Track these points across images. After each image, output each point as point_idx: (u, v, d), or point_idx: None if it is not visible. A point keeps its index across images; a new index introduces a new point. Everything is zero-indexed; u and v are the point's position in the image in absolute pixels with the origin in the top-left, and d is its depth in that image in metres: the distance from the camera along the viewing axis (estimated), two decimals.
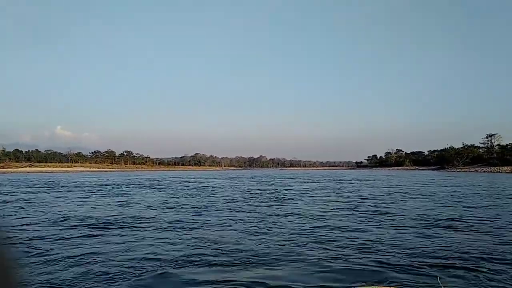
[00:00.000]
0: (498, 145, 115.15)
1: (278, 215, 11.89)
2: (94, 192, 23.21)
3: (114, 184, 32.32)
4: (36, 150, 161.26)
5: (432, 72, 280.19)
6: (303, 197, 18.90)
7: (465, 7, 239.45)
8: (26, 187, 28.36)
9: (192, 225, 9.85)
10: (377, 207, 14.05)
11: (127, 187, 27.88)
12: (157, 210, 13.45)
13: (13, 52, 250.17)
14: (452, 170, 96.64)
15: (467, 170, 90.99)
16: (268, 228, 9.39)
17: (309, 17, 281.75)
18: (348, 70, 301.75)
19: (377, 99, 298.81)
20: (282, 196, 19.20)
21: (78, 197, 19.19)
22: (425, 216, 11.28)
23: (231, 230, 9.21)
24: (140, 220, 10.86)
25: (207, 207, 14.29)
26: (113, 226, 9.74)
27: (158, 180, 41.31)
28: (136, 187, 27.88)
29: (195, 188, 27.00)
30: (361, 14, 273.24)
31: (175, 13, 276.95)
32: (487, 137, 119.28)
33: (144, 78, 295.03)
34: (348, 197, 18.51)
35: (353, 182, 36.92)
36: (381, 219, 10.78)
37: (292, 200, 16.96)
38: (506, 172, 75.63)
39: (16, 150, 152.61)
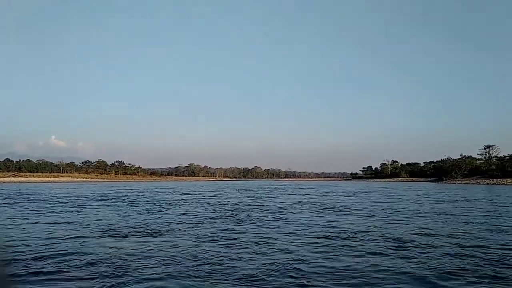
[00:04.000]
0: (496, 156, 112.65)
1: (236, 243, 8.57)
2: (45, 206, 19.74)
3: (82, 197, 28.81)
4: (28, 160, 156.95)
5: (426, 82, 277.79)
6: (279, 215, 15.60)
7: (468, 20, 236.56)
8: None
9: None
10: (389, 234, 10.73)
11: (91, 200, 24.44)
12: (83, 236, 10.07)
13: (9, 63, 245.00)
14: (452, 182, 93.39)
15: (467, 182, 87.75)
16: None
17: (305, 24, 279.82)
18: (343, 81, 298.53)
19: (372, 110, 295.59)
20: (255, 214, 15.88)
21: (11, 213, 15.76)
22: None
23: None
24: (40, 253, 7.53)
25: (153, 230, 10.95)
26: None
27: (138, 192, 37.73)
28: (99, 201, 24.43)
29: (163, 201, 23.60)
30: (352, 21, 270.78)
31: (173, 27, 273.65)
32: (484, 148, 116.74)
33: (140, 88, 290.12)
34: (342, 216, 15.20)
35: (347, 194, 33.65)
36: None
37: (266, 220, 13.65)
38: (511, 184, 74.15)
39: (7, 159, 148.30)
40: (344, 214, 15.77)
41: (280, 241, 9.21)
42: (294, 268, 6.64)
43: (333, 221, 13.13)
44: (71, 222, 12.87)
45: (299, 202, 23.73)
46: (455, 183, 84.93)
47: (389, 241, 9.10)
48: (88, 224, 12.32)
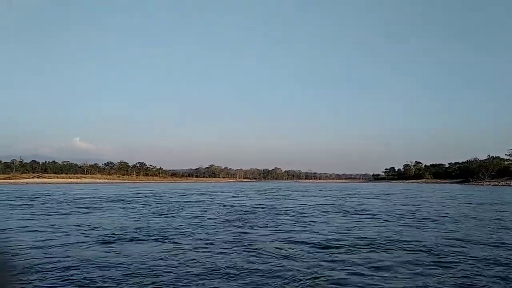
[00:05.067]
0: None
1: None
2: (59, 207, 19.65)
3: (101, 198, 28.85)
4: (53, 161, 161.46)
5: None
6: (298, 218, 14.82)
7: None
8: None
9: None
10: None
11: (106, 202, 24.33)
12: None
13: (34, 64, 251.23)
14: (479, 183, 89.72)
15: (496, 183, 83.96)
16: None
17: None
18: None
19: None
20: (272, 218, 15.15)
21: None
22: None
23: None
24: None
25: (167, 234, 10.42)
26: None
27: (158, 193, 37.68)
28: (116, 202, 24.29)
29: (181, 203, 23.21)
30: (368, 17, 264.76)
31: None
32: None
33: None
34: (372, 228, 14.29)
35: (370, 197, 32.46)
36: None
37: (284, 225, 12.92)
38: None
39: (33, 161, 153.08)
40: (368, 219, 14.87)
41: (298, 248, 8.48)
42: (314, 282, 5.92)
43: (356, 227, 12.29)
44: (79, 225, 12.52)
45: (320, 204, 22.86)
46: (483, 185, 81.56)
47: (423, 254, 8.23)
48: (98, 227, 11.93)
